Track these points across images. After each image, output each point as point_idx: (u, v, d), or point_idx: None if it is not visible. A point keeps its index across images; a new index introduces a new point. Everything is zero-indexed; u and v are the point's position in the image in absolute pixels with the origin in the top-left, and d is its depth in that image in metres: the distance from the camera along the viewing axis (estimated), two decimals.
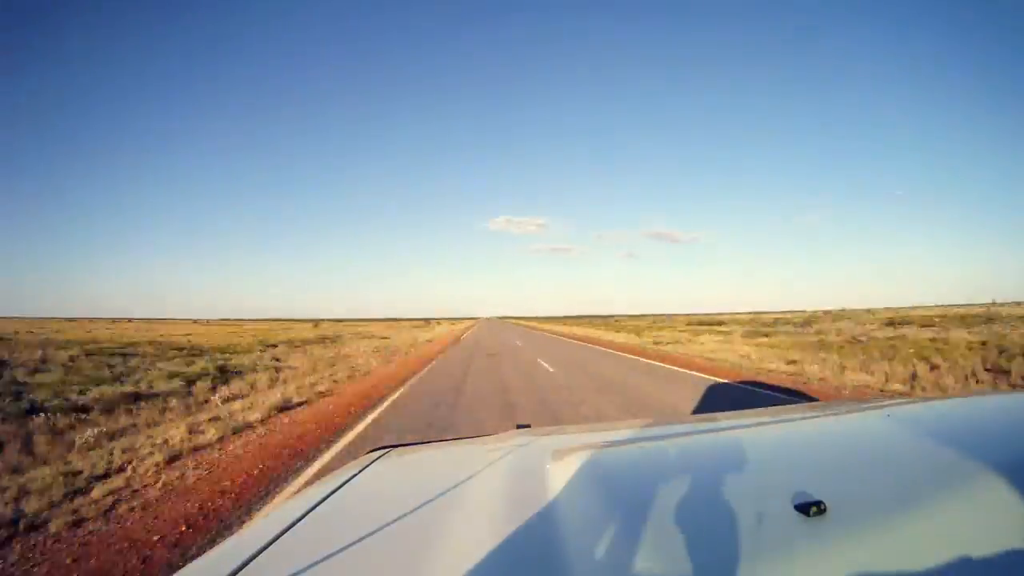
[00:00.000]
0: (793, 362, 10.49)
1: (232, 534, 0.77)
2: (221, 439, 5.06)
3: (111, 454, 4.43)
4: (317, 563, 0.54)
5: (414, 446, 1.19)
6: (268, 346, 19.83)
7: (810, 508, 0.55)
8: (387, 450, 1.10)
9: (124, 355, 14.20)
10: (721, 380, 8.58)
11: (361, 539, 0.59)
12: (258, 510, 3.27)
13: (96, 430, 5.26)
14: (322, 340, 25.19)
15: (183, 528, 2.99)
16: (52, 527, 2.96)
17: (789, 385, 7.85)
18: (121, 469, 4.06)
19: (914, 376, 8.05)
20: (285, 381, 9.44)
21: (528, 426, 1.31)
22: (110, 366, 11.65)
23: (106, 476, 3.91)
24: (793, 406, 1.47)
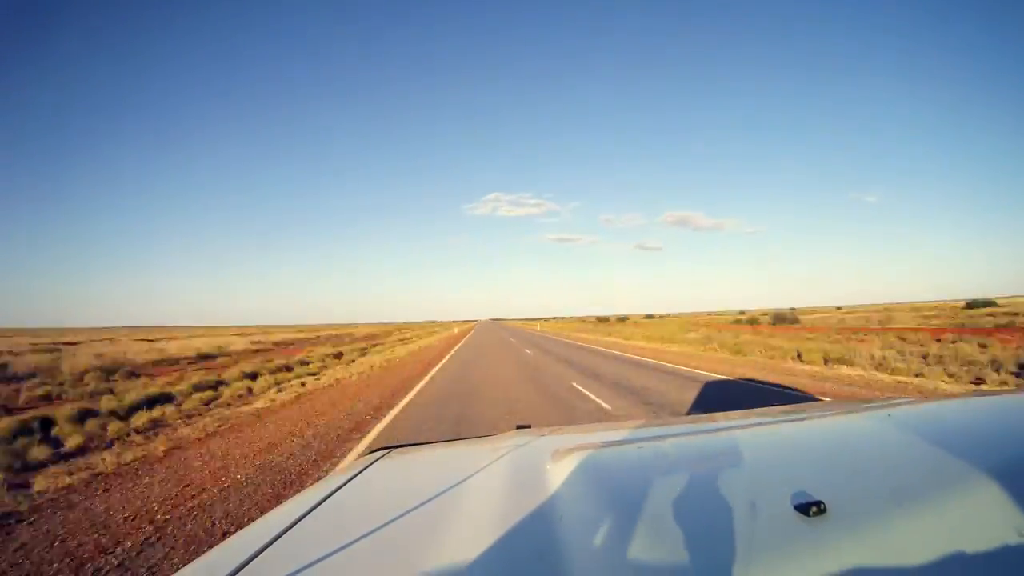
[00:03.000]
0: None
1: (232, 534, 0.77)
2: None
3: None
4: (317, 563, 0.54)
5: (414, 446, 1.20)
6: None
7: (810, 508, 0.55)
8: (387, 450, 1.10)
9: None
10: None
11: (361, 539, 0.59)
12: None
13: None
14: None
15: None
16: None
17: None
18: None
19: None
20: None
21: (528, 426, 1.31)
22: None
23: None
24: (793, 406, 1.47)
